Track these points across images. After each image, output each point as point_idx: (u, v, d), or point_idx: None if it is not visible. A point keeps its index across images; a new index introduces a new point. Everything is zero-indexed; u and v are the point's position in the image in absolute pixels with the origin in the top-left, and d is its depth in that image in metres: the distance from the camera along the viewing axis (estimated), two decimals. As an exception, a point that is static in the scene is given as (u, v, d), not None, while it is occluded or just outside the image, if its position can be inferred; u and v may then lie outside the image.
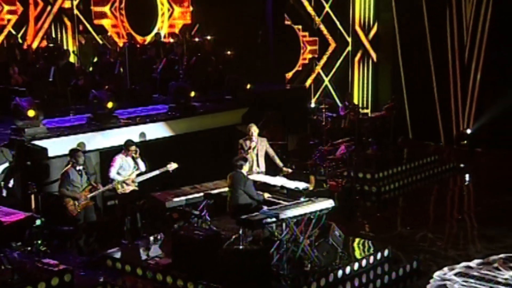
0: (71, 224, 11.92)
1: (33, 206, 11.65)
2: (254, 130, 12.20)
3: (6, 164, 12.72)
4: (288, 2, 21.23)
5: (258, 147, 12.26)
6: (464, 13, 19.77)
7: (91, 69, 18.70)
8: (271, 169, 12.61)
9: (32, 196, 12.13)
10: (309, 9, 21.90)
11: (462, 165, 18.12)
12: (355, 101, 20.36)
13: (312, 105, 20.62)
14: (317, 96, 21.87)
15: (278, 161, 12.35)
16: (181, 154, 13.37)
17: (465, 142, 19.59)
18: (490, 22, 19.32)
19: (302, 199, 10.47)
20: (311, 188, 11.19)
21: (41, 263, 10.43)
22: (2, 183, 12.69)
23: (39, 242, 11.59)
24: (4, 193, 12.72)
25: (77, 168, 11.46)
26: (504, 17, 18.98)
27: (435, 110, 20.37)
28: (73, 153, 11.60)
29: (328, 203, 10.25)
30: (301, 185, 10.97)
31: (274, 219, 9.79)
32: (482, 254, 11.64)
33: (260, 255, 9.75)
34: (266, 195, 11.10)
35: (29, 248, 11.41)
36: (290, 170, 12.07)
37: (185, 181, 12.71)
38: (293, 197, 10.82)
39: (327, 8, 21.96)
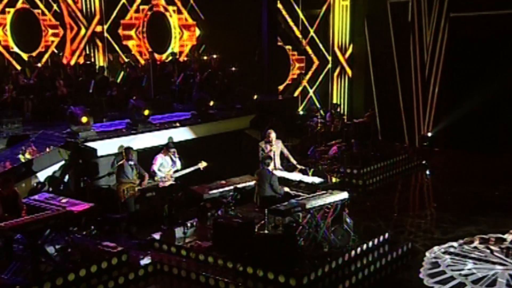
0: (119, 212, 11.72)
1: (87, 197, 11.42)
2: (273, 135, 12.04)
3: (63, 162, 12.45)
4: (280, 27, 21.10)
5: (275, 148, 12.13)
6: (425, 37, 19.85)
7: (118, 80, 18.40)
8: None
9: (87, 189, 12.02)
10: (297, 33, 21.81)
11: (424, 162, 18.15)
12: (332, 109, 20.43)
13: (301, 112, 20.53)
14: (303, 105, 21.79)
15: (292, 159, 12.21)
16: (202, 153, 13.18)
17: (426, 143, 19.65)
18: (446, 45, 19.45)
19: (322, 192, 10.34)
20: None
21: (102, 245, 10.24)
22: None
23: (93, 227, 11.44)
24: (61, 187, 12.44)
25: (129, 163, 11.25)
26: (458, 41, 19.11)
27: (400, 117, 20.44)
28: (126, 150, 11.42)
29: (344, 195, 10.17)
30: (317, 179, 10.89)
31: (300, 208, 9.70)
32: (462, 235, 11.64)
33: (287, 239, 9.64)
34: (286, 188, 10.98)
35: (84, 233, 11.21)
36: (303, 167, 11.91)
37: (204, 177, 12.56)
38: (310, 190, 10.72)
39: (311, 33, 21.93)
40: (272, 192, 10.57)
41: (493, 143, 18.11)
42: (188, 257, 10.24)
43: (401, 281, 9.90)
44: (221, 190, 11.45)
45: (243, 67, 19.87)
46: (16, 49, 17.38)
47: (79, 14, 18.26)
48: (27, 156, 12.35)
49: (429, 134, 19.72)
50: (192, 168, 12.13)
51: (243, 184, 11.65)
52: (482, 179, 15.93)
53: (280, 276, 9.13)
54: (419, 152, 18.96)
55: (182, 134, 14.46)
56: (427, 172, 17.55)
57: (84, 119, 12.49)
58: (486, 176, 16.30)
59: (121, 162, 11.39)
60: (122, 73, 18.74)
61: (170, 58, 20.00)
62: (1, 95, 14.40)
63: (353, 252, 9.99)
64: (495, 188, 14.98)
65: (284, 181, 11.15)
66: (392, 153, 17.50)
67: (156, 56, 19.99)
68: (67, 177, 12.52)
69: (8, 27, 17.21)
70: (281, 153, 12.17)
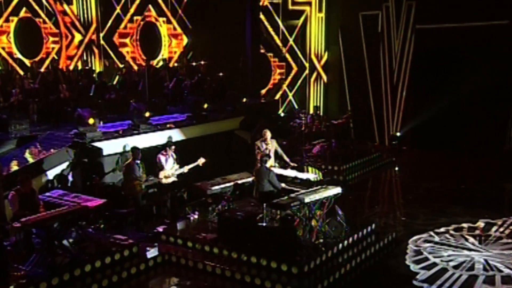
0: (126, 207, 11.52)
1: (96, 194, 11.20)
2: (269, 134, 11.98)
3: (70, 161, 12.19)
4: (263, 36, 21.07)
5: (270, 147, 12.05)
6: (393, 46, 20.02)
7: (114, 83, 18.12)
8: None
9: (95, 186, 11.79)
10: (278, 41, 21.82)
11: (393, 159, 18.30)
12: (313, 112, 20.51)
13: (282, 114, 20.53)
14: (283, 107, 21.82)
15: (285, 157, 12.12)
16: (197, 152, 13.01)
17: (395, 142, 19.85)
18: (412, 53, 19.64)
19: (317, 187, 10.32)
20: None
21: (113, 238, 10.08)
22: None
23: (101, 222, 11.21)
24: (69, 184, 12.17)
25: (136, 161, 11.08)
26: (423, 50, 19.34)
27: (371, 118, 20.59)
28: (134, 150, 11.22)
29: (338, 190, 10.18)
30: (311, 176, 10.87)
31: (299, 202, 9.67)
32: (438, 225, 11.76)
33: (287, 231, 9.57)
34: (282, 184, 10.92)
35: (92, 227, 10.98)
36: (296, 164, 11.87)
37: (200, 174, 12.39)
38: (305, 186, 10.69)
39: (291, 42, 21.98)
40: (270, 188, 10.49)
41: (455, 142, 18.39)
42: (195, 249, 10.14)
43: (390, 267, 9.94)
44: (222, 186, 11.32)
45: (229, 72, 19.79)
46: (19, 55, 16.98)
47: (77, 23, 17.92)
48: (34, 155, 12.09)
49: (398, 134, 19.91)
50: (192, 165, 12.00)
51: (242, 180, 11.54)
52: (448, 175, 16.18)
53: (282, 265, 9.09)
54: (388, 151, 19.15)
55: (179, 134, 14.31)
56: (396, 168, 17.71)
57: (91, 121, 12.30)
58: (451, 172, 16.57)
59: (129, 161, 11.19)
60: (117, 77, 18.46)
61: (161, 63, 19.81)
62: (8, 98, 14.03)
63: (345, 242, 10.01)
64: (460, 183, 15.21)
65: (280, 178, 11.08)
66: (367, 152, 17.66)
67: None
68: (74, 175, 12.24)
69: (11, 34, 16.85)
70: (275, 152, 12.10)
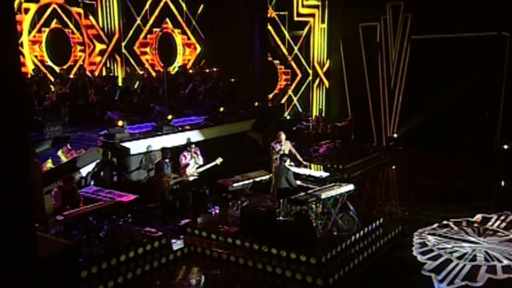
0: (153, 202, 11.50)
1: (125, 190, 11.15)
2: (283, 136, 11.95)
3: (99, 160, 12.15)
4: (270, 45, 21.07)
5: (284, 148, 12.05)
6: (390, 55, 20.07)
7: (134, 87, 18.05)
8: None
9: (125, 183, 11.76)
10: (284, 50, 21.80)
11: (391, 158, 18.28)
12: (317, 115, 20.49)
13: (288, 117, 20.51)
14: (288, 110, 21.80)
15: (299, 156, 12.12)
16: (214, 152, 13.01)
17: (392, 143, 19.85)
18: (408, 61, 19.71)
19: (331, 184, 10.32)
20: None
21: (144, 230, 10.05)
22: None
23: (129, 216, 11.17)
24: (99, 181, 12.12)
25: (165, 160, 11.06)
26: (418, 59, 19.39)
27: (370, 121, 20.61)
28: (163, 150, 11.20)
29: (350, 187, 10.17)
30: (324, 174, 10.86)
31: (315, 198, 9.66)
32: (439, 219, 11.75)
33: (305, 225, 9.58)
34: (298, 182, 10.91)
35: (121, 220, 10.93)
36: (309, 164, 11.85)
37: (218, 172, 12.34)
38: (318, 183, 10.68)
39: (295, 50, 21.96)
40: (287, 185, 10.48)
41: (448, 143, 18.45)
42: (218, 240, 10.13)
43: (398, 258, 9.91)
44: (243, 183, 11.30)
45: (239, 78, 19.76)
46: (50, 63, 16.98)
47: (101, 33, 17.90)
48: (68, 154, 12.05)
49: (395, 135, 19.92)
50: (211, 164, 11.97)
51: (260, 178, 11.53)
52: (443, 173, 16.15)
53: (301, 256, 9.08)
54: (386, 151, 19.16)
55: (197, 135, 14.29)
56: (393, 167, 17.70)
57: (120, 123, 12.26)
58: (446, 170, 16.55)
59: (158, 160, 11.19)
60: (137, 82, 18.42)
61: (177, 70, 19.79)
62: (42, 102, 14.00)
63: (357, 235, 10.01)
64: (455, 180, 15.21)
65: (295, 175, 11.06)
66: (367, 152, 17.64)
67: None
68: (103, 172, 12.19)
69: (43, 44, 16.84)
70: (289, 151, 12.08)
